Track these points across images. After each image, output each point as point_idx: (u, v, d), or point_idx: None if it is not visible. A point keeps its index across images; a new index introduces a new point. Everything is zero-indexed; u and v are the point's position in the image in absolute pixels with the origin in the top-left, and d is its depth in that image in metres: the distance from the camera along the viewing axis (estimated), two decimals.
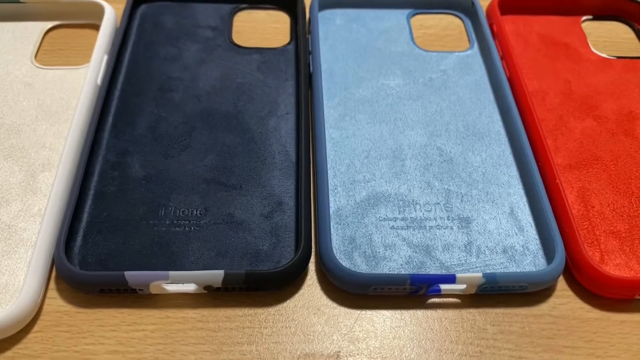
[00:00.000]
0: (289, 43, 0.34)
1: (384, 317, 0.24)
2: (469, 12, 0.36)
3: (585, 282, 0.24)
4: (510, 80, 0.32)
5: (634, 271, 0.24)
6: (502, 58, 0.33)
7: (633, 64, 0.33)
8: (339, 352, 0.23)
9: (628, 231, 0.26)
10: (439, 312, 0.24)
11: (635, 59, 0.34)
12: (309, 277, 0.25)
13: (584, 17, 0.36)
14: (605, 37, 0.35)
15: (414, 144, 0.29)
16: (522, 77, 0.31)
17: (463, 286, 0.24)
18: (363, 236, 0.25)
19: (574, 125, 0.30)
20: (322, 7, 0.35)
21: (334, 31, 0.34)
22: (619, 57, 0.33)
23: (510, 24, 0.35)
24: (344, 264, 0.24)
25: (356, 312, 0.24)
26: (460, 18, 0.36)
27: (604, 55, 0.34)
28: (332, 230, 0.25)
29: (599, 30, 0.36)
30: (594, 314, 0.24)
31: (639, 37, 0.35)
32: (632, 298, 0.24)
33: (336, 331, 0.23)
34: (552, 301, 0.25)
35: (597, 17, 0.36)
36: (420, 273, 0.24)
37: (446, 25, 0.36)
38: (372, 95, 0.31)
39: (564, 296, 0.25)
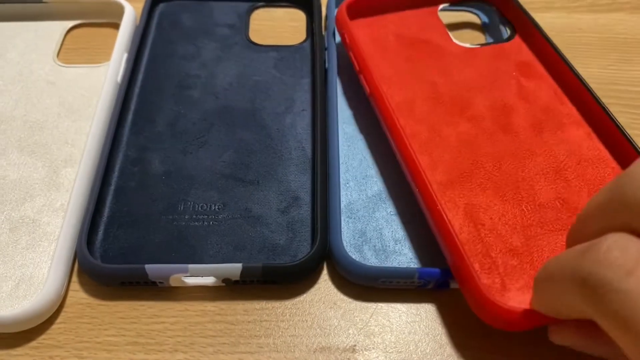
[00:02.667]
0: (305, 40, 0.34)
1: (400, 312, 0.24)
2: None
3: (487, 318, 0.21)
4: (372, 96, 0.28)
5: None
6: (359, 73, 0.29)
7: (499, 49, 0.30)
8: (355, 346, 0.23)
9: (525, 245, 0.23)
10: (455, 307, 0.24)
11: (499, 43, 0.31)
12: (325, 271, 0.25)
13: (441, 6, 0.32)
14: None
15: None
16: (384, 91, 0.27)
17: None
18: (373, 230, 0.25)
19: (447, 134, 0.26)
20: (340, 3, 0.35)
21: None
22: (483, 45, 0.31)
23: (364, 29, 0.31)
24: (353, 257, 0.24)
25: (372, 307, 0.24)
26: None
27: (466, 45, 0.31)
28: (342, 223, 0.25)
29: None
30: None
31: (502, 22, 0.32)
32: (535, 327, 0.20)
33: (352, 325, 0.24)
34: None
35: (453, 4, 0.33)
36: (429, 267, 0.24)
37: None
38: None
39: None
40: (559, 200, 0.24)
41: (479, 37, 0.34)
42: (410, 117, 0.27)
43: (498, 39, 0.32)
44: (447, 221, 0.22)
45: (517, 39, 0.31)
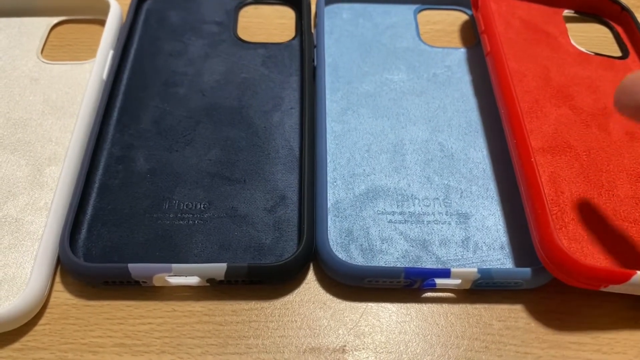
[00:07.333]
0: (294, 38, 0.34)
1: (390, 312, 0.24)
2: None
3: (551, 266, 0.23)
4: (490, 54, 0.31)
5: (598, 262, 0.23)
6: (482, 33, 0.32)
7: (610, 63, 0.32)
8: (345, 346, 0.23)
9: (595, 222, 0.25)
10: (445, 307, 0.24)
11: (612, 58, 0.33)
12: (315, 271, 0.25)
13: (566, 11, 0.35)
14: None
15: (415, 139, 0.29)
16: (503, 54, 0.30)
17: (458, 281, 0.23)
18: (360, 229, 0.25)
19: (549, 111, 0.29)
20: (329, 1, 0.35)
21: (340, 25, 0.34)
22: (597, 54, 0.32)
23: (494, 4, 0.33)
24: (339, 256, 0.24)
25: (362, 307, 0.24)
26: (467, 14, 0.36)
27: (582, 49, 0.33)
28: (329, 222, 0.25)
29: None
30: (601, 310, 0.24)
31: (616, 38, 0.34)
32: (596, 289, 0.23)
33: (342, 325, 0.23)
34: (558, 297, 0.24)
35: (578, 12, 0.36)
36: (415, 267, 0.24)
37: (453, 20, 0.36)
38: (375, 89, 0.31)
39: (568, 292, 0.24)
40: (635, 198, 0.26)
41: (595, 46, 0.34)
42: (520, 85, 0.29)
43: (611, 54, 0.33)
44: (537, 175, 0.25)
45: (629, 60, 0.33)
